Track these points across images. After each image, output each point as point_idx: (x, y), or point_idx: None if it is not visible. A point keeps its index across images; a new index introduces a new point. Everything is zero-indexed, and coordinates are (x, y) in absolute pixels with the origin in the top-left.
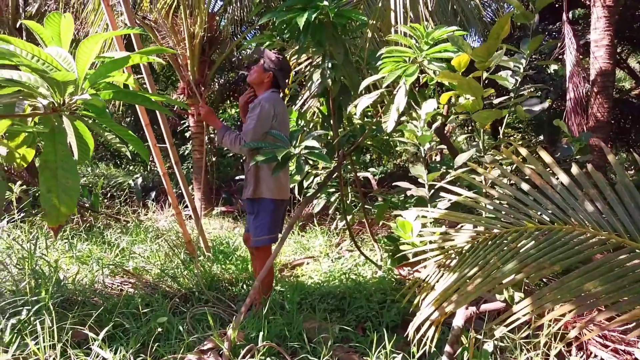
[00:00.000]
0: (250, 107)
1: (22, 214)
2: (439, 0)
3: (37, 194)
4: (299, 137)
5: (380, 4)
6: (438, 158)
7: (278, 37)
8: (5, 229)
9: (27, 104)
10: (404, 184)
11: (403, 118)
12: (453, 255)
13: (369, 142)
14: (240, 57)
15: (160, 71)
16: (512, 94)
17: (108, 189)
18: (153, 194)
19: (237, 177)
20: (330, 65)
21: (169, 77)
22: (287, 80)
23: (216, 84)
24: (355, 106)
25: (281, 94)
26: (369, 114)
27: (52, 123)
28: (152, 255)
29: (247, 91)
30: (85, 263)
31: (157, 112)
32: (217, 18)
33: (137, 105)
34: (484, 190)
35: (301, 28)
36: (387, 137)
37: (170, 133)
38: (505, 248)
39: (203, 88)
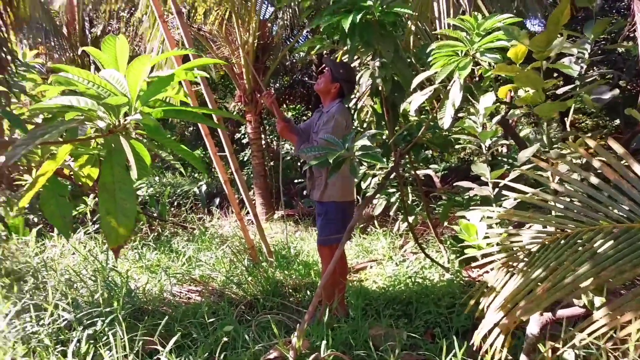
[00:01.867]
0: (322, 119)
1: (96, 226)
2: None
3: None
4: (353, 138)
5: None
6: (505, 150)
7: (328, 40)
8: (82, 240)
9: (89, 127)
10: (466, 184)
11: (461, 114)
12: (521, 257)
13: (426, 139)
14: (295, 61)
15: (218, 80)
16: (577, 82)
17: (174, 197)
18: (217, 201)
19: (296, 180)
20: (379, 63)
21: (227, 86)
22: (352, 90)
23: (272, 88)
24: (409, 103)
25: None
26: (426, 109)
27: (109, 145)
28: (217, 262)
29: (267, 93)
30: (155, 272)
31: (216, 120)
32: (269, 25)
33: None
34: (552, 187)
35: (346, 30)
36: (447, 133)
37: (229, 141)
38: (579, 249)
39: (259, 95)
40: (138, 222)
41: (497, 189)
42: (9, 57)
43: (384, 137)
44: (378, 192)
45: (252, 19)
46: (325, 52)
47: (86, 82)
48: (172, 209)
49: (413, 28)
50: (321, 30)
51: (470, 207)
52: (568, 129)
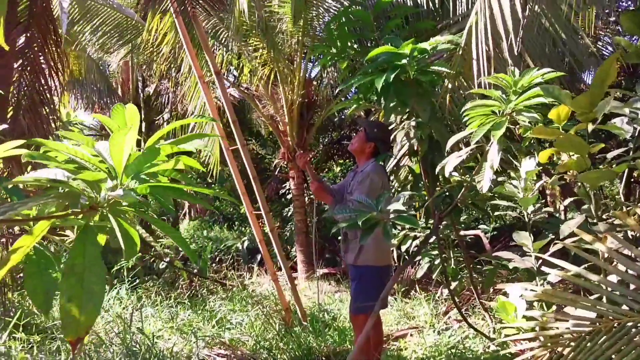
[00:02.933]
0: (357, 178)
1: (137, 280)
2: (534, 43)
3: (151, 261)
4: (388, 200)
5: (460, 52)
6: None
7: (364, 100)
8: (119, 297)
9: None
10: (506, 254)
11: (501, 178)
12: (564, 342)
13: (468, 202)
14: (343, 117)
15: (267, 137)
16: (630, 145)
17: (217, 252)
18: (258, 257)
19: (339, 237)
20: (415, 123)
21: (275, 142)
22: (387, 149)
23: (320, 144)
24: (444, 166)
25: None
26: (469, 167)
27: (86, 222)
28: (250, 324)
29: (300, 154)
30: (185, 333)
31: (252, 179)
32: (315, 83)
33: (233, 173)
34: (599, 265)
35: (379, 90)
36: (490, 194)
37: (265, 201)
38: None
39: (303, 152)
40: (179, 278)
41: (540, 261)
42: (51, 117)
43: (425, 198)
44: (415, 257)
45: (296, 78)
46: (360, 112)
47: (66, 156)
48: (214, 264)
49: (450, 86)
50: (357, 90)
51: (512, 278)
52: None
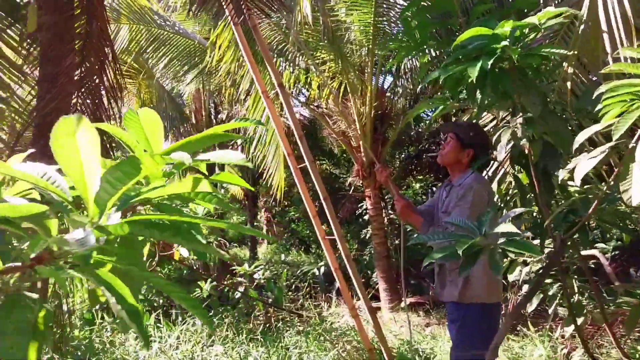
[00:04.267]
0: (454, 193)
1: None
2: None
3: (226, 290)
4: (493, 220)
5: (580, 28)
6: None
7: (452, 100)
8: (190, 331)
9: None
10: None
11: None
12: None
13: (600, 218)
14: (420, 130)
15: (340, 155)
16: None
17: (293, 279)
18: (337, 284)
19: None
20: (523, 120)
21: (349, 160)
22: (486, 155)
23: (397, 160)
24: (571, 172)
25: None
26: (591, 177)
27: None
28: None
29: (380, 167)
30: None
31: (323, 200)
32: (388, 94)
33: (302, 194)
34: None
35: (474, 80)
36: (625, 209)
37: (338, 224)
38: None
39: (378, 167)
40: (254, 308)
41: None
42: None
43: (534, 214)
44: (535, 292)
45: (368, 89)
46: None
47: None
48: (290, 293)
49: (570, 70)
50: (443, 86)
51: None
52: None
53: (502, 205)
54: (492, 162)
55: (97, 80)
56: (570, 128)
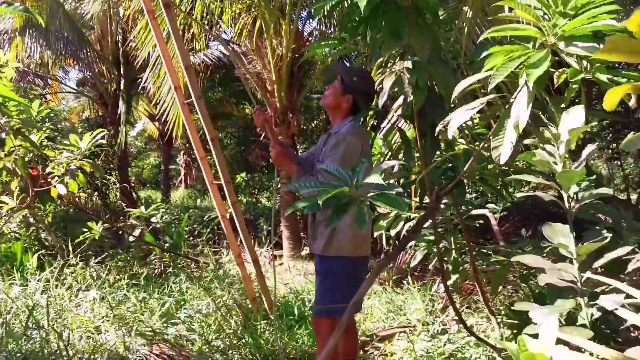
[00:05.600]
0: (330, 142)
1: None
2: None
3: (120, 232)
4: (366, 170)
5: None
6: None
7: (348, 41)
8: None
9: None
10: (533, 260)
11: (527, 141)
12: None
13: (477, 176)
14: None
15: (262, 99)
16: None
17: (202, 224)
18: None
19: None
20: (410, 64)
21: (260, 102)
22: (370, 104)
23: (314, 110)
24: (446, 126)
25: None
26: (478, 132)
27: None
28: (207, 317)
29: (258, 109)
30: (128, 324)
31: (210, 141)
32: (310, 39)
33: (189, 133)
34: None
35: (363, 13)
36: (506, 168)
37: (225, 169)
38: None
39: (292, 115)
40: (150, 253)
41: (586, 275)
42: None
43: (419, 169)
44: (406, 245)
45: (285, 30)
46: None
47: None
48: (192, 238)
49: (470, 17)
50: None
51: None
52: None
53: (390, 158)
54: (379, 111)
55: None
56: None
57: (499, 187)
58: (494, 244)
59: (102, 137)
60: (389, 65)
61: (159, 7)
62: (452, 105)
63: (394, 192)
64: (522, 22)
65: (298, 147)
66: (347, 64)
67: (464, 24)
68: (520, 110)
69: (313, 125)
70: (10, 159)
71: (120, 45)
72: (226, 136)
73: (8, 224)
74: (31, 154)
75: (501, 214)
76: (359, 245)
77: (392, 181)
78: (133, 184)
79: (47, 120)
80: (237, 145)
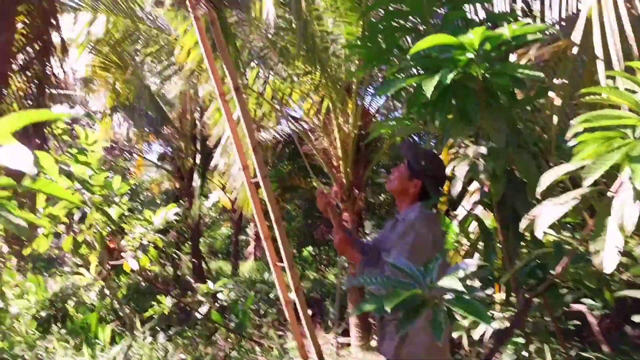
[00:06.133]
0: (397, 229)
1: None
2: None
3: (188, 308)
4: (442, 267)
5: (561, 48)
6: None
7: (416, 120)
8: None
9: None
10: None
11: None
12: None
13: (572, 277)
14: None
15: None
16: None
17: (262, 303)
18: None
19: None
20: (485, 150)
21: (326, 176)
22: (441, 189)
23: (382, 184)
24: (533, 221)
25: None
26: (569, 224)
27: None
28: None
29: (320, 192)
30: None
31: (274, 221)
32: (377, 115)
33: (255, 213)
34: None
35: (430, 98)
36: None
37: (290, 252)
38: None
39: (358, 191)
40: (216, 331)
41: None
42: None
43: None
44: (493, 354)
45: (353, 108)
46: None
47: None
48: (258, 318)
49: (559, 102)
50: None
51: None
52: None
53: (468, 248)
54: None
55: (37, 66)
56: (540, 168)
57: (598, 288)
58: (595, 348)
59: (175, 214)
60: (462, 147)
61: (231, 89)
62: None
63: (474, 298)
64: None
65: (365, 223)
66: (415, 144)
67: (548, 112)
68: (625, 207)
69: (381, 199)
70: (90, 232)
71: (197, 122)
72: (294, 209)
73: (87, 294)
74: (109, 228)
75: (602, 312)
76: (436, 350)
77: (471, 281)
78: (205, 255)
79: (129, 193)
80: (304, 218)
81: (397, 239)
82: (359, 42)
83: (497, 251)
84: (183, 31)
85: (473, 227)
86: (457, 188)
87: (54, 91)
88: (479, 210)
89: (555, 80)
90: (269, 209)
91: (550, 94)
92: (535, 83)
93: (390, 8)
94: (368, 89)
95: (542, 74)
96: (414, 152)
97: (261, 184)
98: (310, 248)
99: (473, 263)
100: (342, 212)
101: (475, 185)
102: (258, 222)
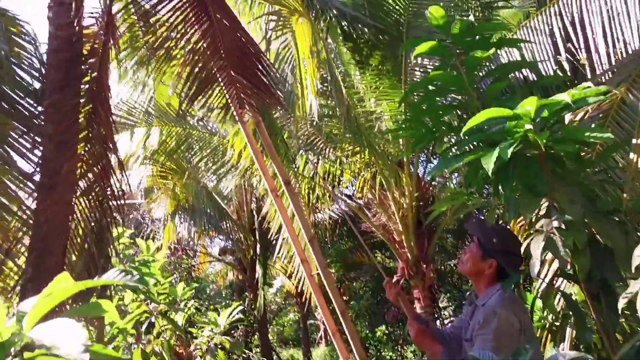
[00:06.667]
0: (477, 317)
1: None
2: None
3: None
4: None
5: None
6: None
7: (475, 194)
8: None
9: None
10: None
11: None
12: None
13: None
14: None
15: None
16: None
17: None
18: None
19: None
20: (560, 223)
21: (388, 257)
22: (519, 266)
23: (450, 249)
24: (633, 298)
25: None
26: None
27: None
28: None
29: (388, 282)
30: None
31: (340, 314)
32: (434, 183)
33: (318, 304)
34: None
35: (490, 172)
36: None
37: (361, 350)
38: None
39: (425, 265)
40: None
41: None
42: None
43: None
44: None
45: (406, 182)
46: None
47: None
48: None
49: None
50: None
51: None
52: None
53: (555, 326)
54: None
55: (98, 188)
56: (626, 233)
57: None
58: None
59: (240, 311)
60: (534, 221)
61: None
62: None
63: None
64: None
65: (439, 298)
66: (483, 220)
67: (625, 169)
68: None
69: (452, 264)
70: (159, 341)
71: (254, 213)
72: (361, 287)
73: None
74: (177, 334)
75: None
76: None
77: None
78: (274, 345)
79: (195, 293)
80: (373, 296)
81: (478, 328)
82: (402, 125)
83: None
84: (233, 134)
85: (557, 299)
86: (535, 268)
87: (118, 202)
88: (561, 280)
89: (634, 141)
90: (333, 301)
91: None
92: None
93: (431, 87)
94: (421, 158)
95: (611, 135)
96: (484, 229)
97: (322, 275)
98: (383, 327)
99: (571, 355)
100: (413, 289)
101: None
102: (324, 317)
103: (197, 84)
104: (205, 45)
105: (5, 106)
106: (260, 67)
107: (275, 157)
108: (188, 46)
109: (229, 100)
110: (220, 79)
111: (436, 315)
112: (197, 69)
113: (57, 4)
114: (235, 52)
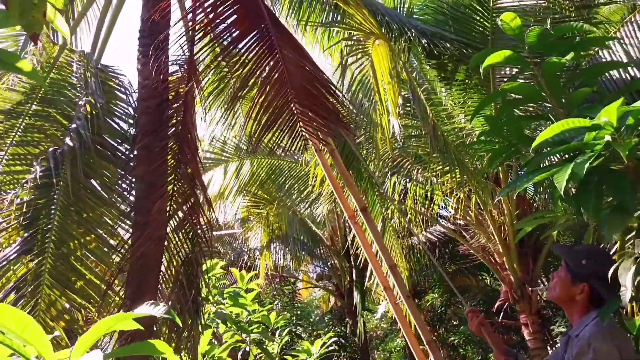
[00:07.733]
0: (572, 350)
1: None
2: None
3: None
4: None
5: None
6: None
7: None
8: None
9: None
10: None
11: None
12: None
13: None
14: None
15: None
16: None
17: None
18: None
19: None
20: None
21: (495, 279)
22: (616, 290)
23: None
24: None
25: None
26: None
27: None
28: None
29: (470, 311)
30: None
31: (426, 343)
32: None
33: (404, 333)
34: None
35: (565, 190)
36: None
37: None
38: None
39: (531, 288)
40: None
41: None
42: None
43: None
44: None
45: (504, 200)
46: None
47: None
48: None
49: None
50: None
51: None
52: None
53: None
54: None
55: (187, 225)
56: None
57: None
58: None
59: (340, 336)
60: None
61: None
62: None
63: None
64: None
65: (556, 322)
66: (570, 245)
67: None
68: None
69: None
70: None
71: (348, 237)
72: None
73: None
74: None
75: None
76: None
77: None
78: None
79: (298, 319)
80: None
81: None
82: (479, 139)
83: None
84: (313, 163)
85: None
86: (627, 297)
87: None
88: None
89: None
90: (420, 332)
91: None
92: None
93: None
94: (520, 172)
95: None
96: (571, 251)
97: (405, 304)
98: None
99: None
100: (519, 314)
101: None
102: (412, 348)
103: (265, 120)
104: (273, 79)
105: (107, 152)
106: (328, 95)
107: (351, 185)
108: (258, 82)
109: (299, 132)
110: (286, 112)
111: (549, 343)
112: (266, 104)
113: (144, 56)
114: (301, 82)
